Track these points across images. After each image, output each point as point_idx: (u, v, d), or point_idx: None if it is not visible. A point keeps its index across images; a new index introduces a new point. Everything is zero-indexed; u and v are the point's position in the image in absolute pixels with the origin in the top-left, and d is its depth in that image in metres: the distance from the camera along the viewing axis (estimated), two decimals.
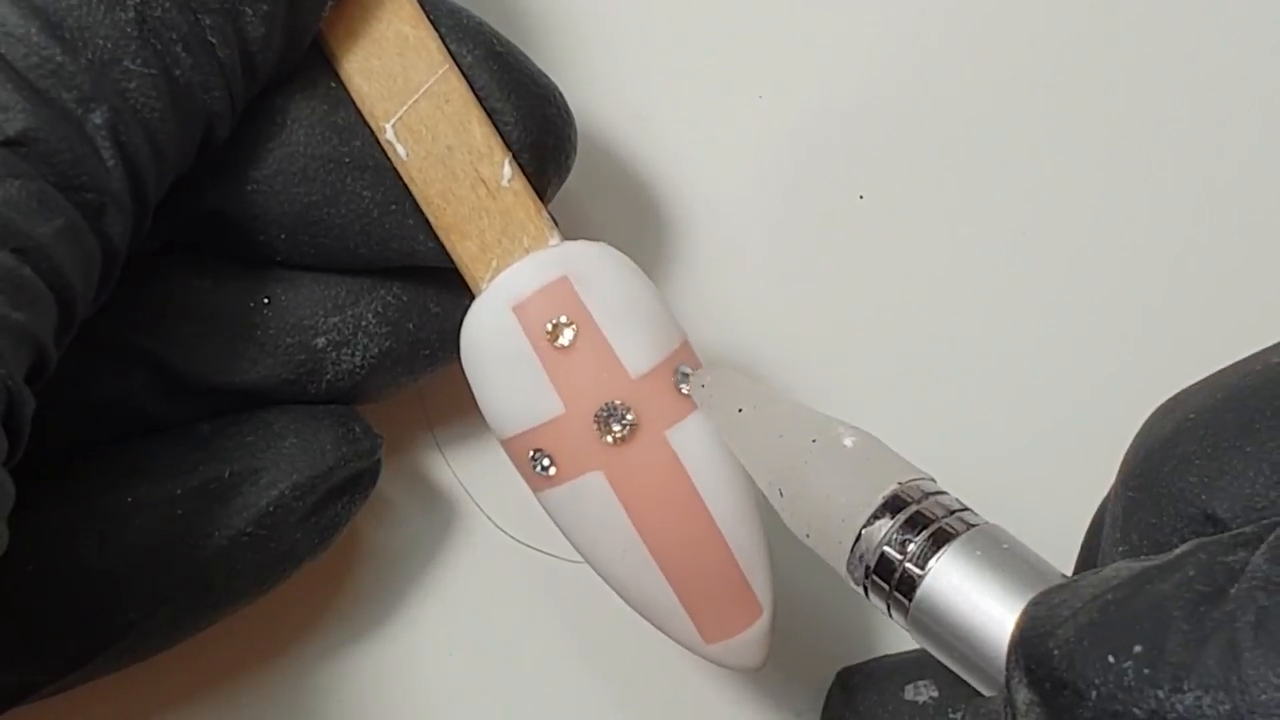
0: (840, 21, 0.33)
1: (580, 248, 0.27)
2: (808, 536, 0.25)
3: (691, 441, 0.26)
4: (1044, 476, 0.31)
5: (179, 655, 0.28)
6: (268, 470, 0.27)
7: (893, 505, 0.24)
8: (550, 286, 0.26)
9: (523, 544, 0.31)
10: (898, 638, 0.31)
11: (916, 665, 0.27)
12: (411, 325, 0.28)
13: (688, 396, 0.27)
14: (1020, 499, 0.32)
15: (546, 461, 0.26)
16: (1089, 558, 0.24)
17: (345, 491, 0.28)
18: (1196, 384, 0.23)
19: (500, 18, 0.29)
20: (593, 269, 0.27)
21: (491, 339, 0.26)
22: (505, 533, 0.31)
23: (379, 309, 0.28)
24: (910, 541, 0.23)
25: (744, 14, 0.33)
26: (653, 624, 0.27)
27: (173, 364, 0.27)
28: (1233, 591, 0.19)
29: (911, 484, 0.24)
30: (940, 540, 0.23)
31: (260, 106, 0.26)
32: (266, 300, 0.27)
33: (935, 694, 0.27)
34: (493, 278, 0.27)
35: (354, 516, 0.29)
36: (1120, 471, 0.23)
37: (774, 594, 0.27)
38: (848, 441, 0.25)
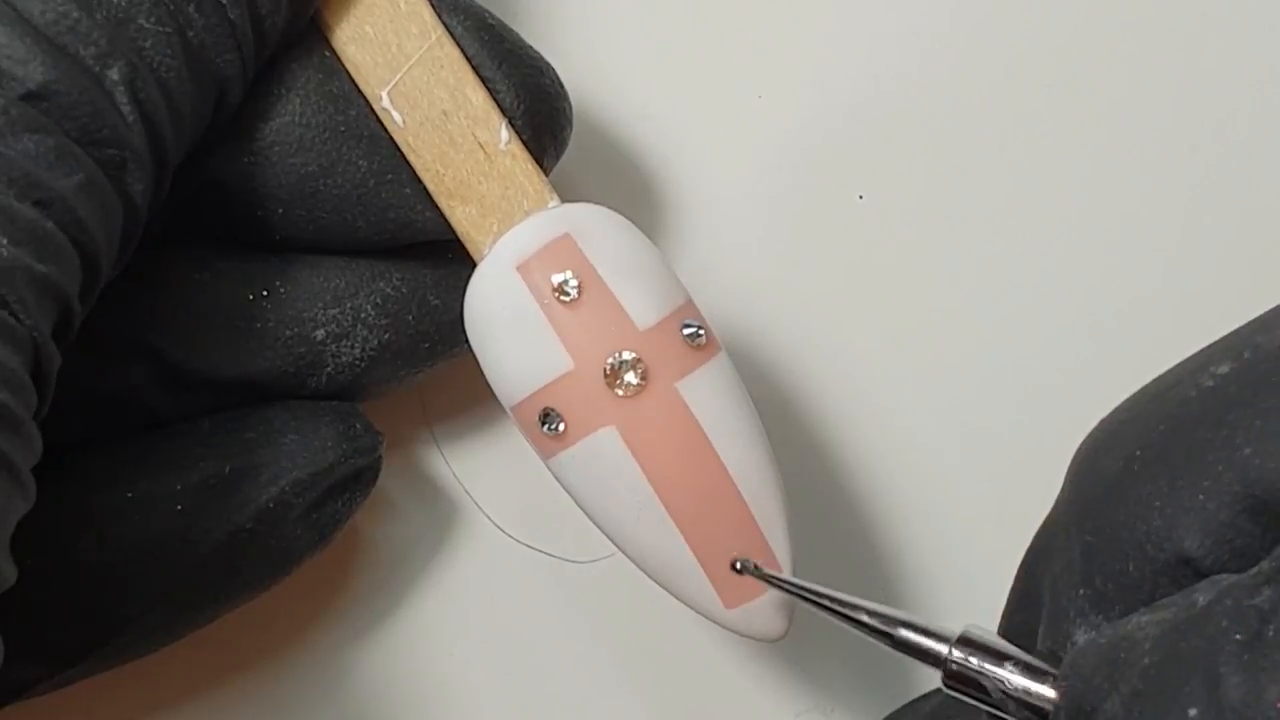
0: (840, 21, 0.33)
1: (581, 208, 0.27)
2: None
3: (703, 393, 0.26)
4: (1044, 476, 0.31)
5: (178, 651, 0.28)
6: (268, 467, 0.27)
7: None
8: (553, 244, 0.26)
9: (521, 543, 0.31)
10: None
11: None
12: (411, 318, 0.28)
13: (697, 349, 0.26)
14: (1020, 499, 0.32)
15: (557, 422, 0.26)
16: (1030, 588, 0.23)
17: (345, 489, 0.28)
18: (1127, 408, 0.22)
19: (500, 16, 0.29)
20: (595, 227, 0.26)
21: (497, 300, 0.26)
22: (504, 532, 0.31)
23: (378, 301, 0.28)
24: None
25: (744, 14, 0.33)
26: (670, 591, 0.27)
27: (172, 358, 0.27)
28: (1270, 635, 0.18)
29: None
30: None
31: (256, 76, 0.26)
32: (265, 293, 0.27)
33: None
34: (494, 241, 0.27)
35: (354, 514, 0.29)
36: (1067, 507, 0.22)
37: (793, 556, 0.26)
38: None
